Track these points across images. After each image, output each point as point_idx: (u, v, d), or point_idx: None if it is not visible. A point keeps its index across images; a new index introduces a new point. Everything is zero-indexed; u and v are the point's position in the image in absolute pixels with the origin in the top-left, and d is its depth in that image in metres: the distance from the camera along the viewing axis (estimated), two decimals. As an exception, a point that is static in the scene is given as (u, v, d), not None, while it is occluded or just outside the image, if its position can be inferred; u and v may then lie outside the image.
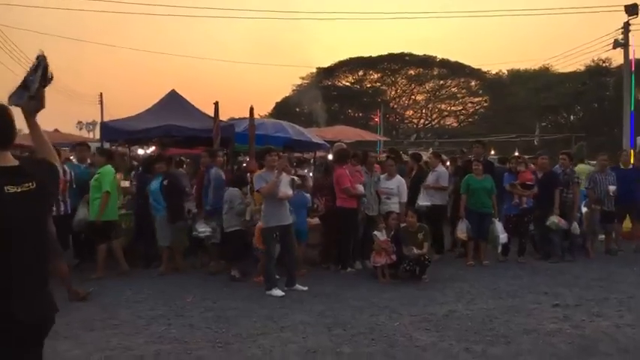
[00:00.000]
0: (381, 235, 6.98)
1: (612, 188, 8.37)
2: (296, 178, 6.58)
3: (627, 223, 9.17)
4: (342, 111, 42.94)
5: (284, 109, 39.07)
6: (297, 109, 39.93)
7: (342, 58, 42.79)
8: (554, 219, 7.85)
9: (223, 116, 9.44)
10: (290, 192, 6.31)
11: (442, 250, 8.48)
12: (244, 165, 11.07)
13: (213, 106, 8.49)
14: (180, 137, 9.18)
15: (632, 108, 19.09)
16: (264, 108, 42.72)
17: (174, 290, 6.42)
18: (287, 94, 43.94)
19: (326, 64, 43.20)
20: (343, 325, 5.14)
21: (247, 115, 9.19)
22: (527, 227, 8.30)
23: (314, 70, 42.73)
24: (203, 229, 7.14)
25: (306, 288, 6.43)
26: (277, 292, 6.21)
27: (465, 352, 4.41)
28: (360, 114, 43.05)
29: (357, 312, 5.56)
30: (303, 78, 43.51)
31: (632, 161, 9.70)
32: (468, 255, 7.94)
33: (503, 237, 7.82)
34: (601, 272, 7.32)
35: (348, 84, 44.17)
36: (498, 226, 7.85)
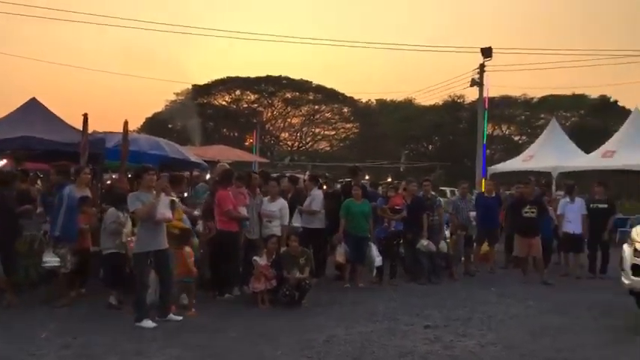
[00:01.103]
0: (261, 260, 6.85)
1: (472, 214, 9.17)
2: (176, 199, 6.22)
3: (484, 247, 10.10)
4: (217, 130, 42.32)
5: (155, 125, 37.46)
6: (170, 126, 38.54)
7: (219, 77, 42.44)
8: (424, 242, 8.37)
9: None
10: (169, 214, 5.94)
11: (323, 273, 8.58)
12: (108, 183, 10.29)
13: (82, 118, 7.76)
14: (40, 151, 8.24)
15: (485, 141, 21.30)
16: (133, 122, 40.55)
17: (25, 325, 5.65)
18: (159, 110, 42.35)
19: (202, 82, 42.48)
20: (222, 357, 4.90)
21: (113, 130, 8.58)
22: (397, 250, 8.74)
23: (189, 87, 41.73)
24: (49, 258, 6.31)
25: (180, 318, 6.06)
26: (148, 323, 5.76)
27: (347, 379, 4.43)
28: (236, 134, 42.77)
29: (236, 342, 5.35)
30: (177, 94, 42.25)
31: (482, 189, 10.73)
32: (345, 278, 8.12)
33: (378, 260, 8.13)
34: (464, 293, 7.90)
35: (224, 103, 43.73)
36: (374, 249, 8.14)
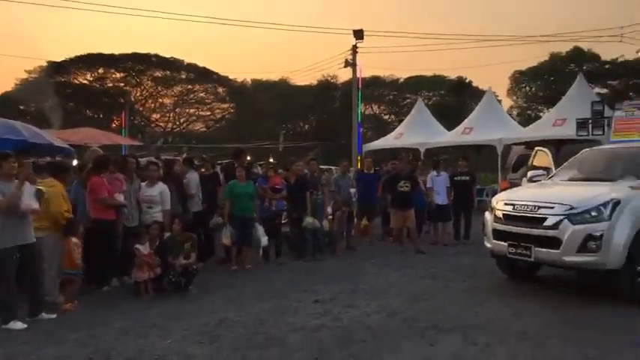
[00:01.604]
0: (143, 248, 6.51)
1: (353, 191, 9.56)
2: (43, 188, 5.63)
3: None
4: (78, 111, 38.97)
5: (5, 106, 33.45)
6: (23, 107, 34.71)
7: (78, 53, 38.95)
8: (309, 219, 8.57)
9: None
10: (36, 205, 5.37)
11: (209, 256, 8.42)
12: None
13: None
14: None
15: (359, 120, 22.17)
16: (-25, 103, 35.84)
17: None
18: (8, 89, 37.92)
19: (59, 58, 38.69)
20: (107, 352, 4.61)
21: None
22: (279, 229, 8.85)
23: (44, 64, 37.79)
24: None
25: (54, 315, 5.58)
26: (17, 324, 5.23)
27: (243, 360, 4.42)
28: (101, 115, 39.78)
29: (121, 335, 5.06)
30: (29, 72, 38.11)
31: (359, 166, 11.23)
32: (232, 260, 8.05)
33: (264, 240, 8.16)
34: (347, 267, 8.25)
35: (85, 82, 40.30)
36: (260, 229, 8.15)
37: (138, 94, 41.92)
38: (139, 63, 40.11)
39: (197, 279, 6.81)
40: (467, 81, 44.44)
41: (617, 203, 5.78)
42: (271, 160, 19.05)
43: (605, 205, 5.79)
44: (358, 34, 20.90)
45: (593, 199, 5.91)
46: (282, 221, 9.06)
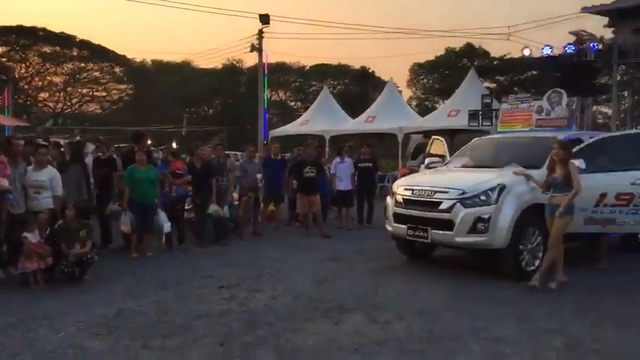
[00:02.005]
0: (32, 237, 6.03)
1: (259, 176, 9.51)
2: None
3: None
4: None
5: None
6: None
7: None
8: (214, 206, 8.40)
9: None
10: None
11: (110, 243, 8.10)
12: None
13: None
14: None
15: (265, 106, 22.02)
16: None
17: None
18: None
19: None
20: (-10, 349, 4.24)
21: None
22: (182, 215, 8.60)
23: None
24: None
25: None
26: None
27: (144, 350, 4.27)
28: (-21, 92, 36.00)
29: (9, 329, 4.68)
30: None
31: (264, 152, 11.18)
32: (132, 248, 7.70)
33: (166, 226, 7.89)
34: (253, 252, 8.22)
35: (-41, 54, 36.25)
36: (162, 215, 7.86)
37: (23, 71, 38.45)
38: (24, 37, 36.76)
39: (93, 269, 6.43)
40: (370, 71, 45.82)
41: (502, 188, 6.28)
42: (174, 144, 18.40)
43: (492, 189, 6.27)
44: (264, 19, 20.69)
45: (481, 185, 6.37)
46: (186, 207, 8.80)
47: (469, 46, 38.10)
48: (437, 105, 36.44)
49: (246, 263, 7.39)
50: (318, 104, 22.32)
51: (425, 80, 43.87)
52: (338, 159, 10.78)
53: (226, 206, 8.92)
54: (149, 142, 10.10)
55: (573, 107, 7.86)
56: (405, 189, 7.07)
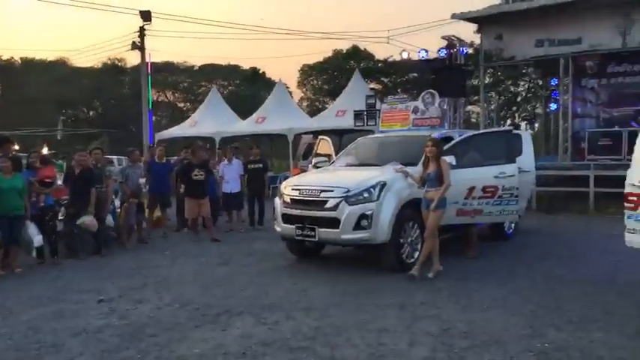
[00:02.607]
0: None
1: (142, 181, 9.08)
2: None
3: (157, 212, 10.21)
4: None
5: None
6: None
7: None
8: (86, 217, 7.79)
9: None
10: None
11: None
12: None
13: None
14: None
15: (150, 107, 21.09)
16: None
17: None
18: None
19: None
20: None
21: None
22: (53, 226, 7.92)
23: None
24: None
25: None
26: None
27: (10, 376, 3.91)
28: None
29: None
30: None
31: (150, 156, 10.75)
32: (-3, 265, 6.99)
33: (38, 239, 7.27)
34: (138, 261, 7.85)
35: None
36: (32, 227, 7.22)
37: None
38: None
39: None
40: (260, 72, 45.76)
41: (383, 185, 6.59)
42: (45, 149, 16.94)
43: (374, 187, 6.56)
44: (145, 16, 19.77)
45: (364, 182, 6.64)
46: (60, 217, 8.14)
47: (355, 49, 39.46)
48: (327, 105, 37.29)
49: (130, 274, 7.04)
50: (207, 105, 21.88)
51: (315, 81, 44.72)
52: (225, 161, 10.64)
53: (109, 215, 8.43)
54: (16, 147, 9.19)
55: (445, 107, 8.46)
56: (293, 189, 7.16)
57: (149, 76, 21.06)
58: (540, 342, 4.24)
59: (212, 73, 44.41)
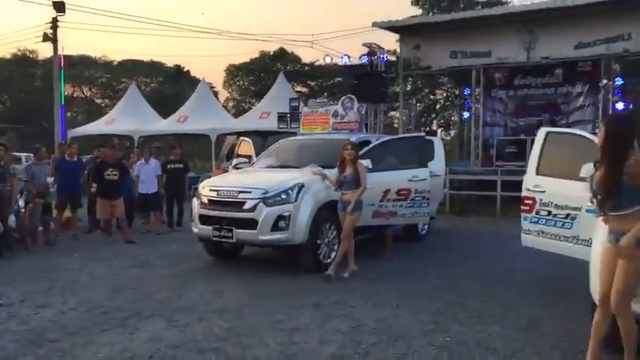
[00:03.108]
0: None
1: (50, 180, 8.60)
2: None
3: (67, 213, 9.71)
4: None
5: None
6: None
7: None
8: None
9: None
10: None
11: None
12: None
13: None
14: None
15: (63, 102, 19.98)
16: None
17: None
18: None
19: None
20: None
21: None
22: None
23: None
24: None
25: None
26: None
27: None
28: None
29: None
30: None
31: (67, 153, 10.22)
32: None
33: None
34: (44, 264, 7.43)
35: None
36: None
37: None
38: None
39: None
40: (185, 70, 44.64)
41: (301, 187, 6.68)
42: None
43: (292, 188, 6.63)
44: (59, 7, 18.68)
45: (282, 184, 6.70)
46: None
47: (282, 51, 39.53)
48: (253, 106, 37.08)
49: (34, 277, 6.65)
50: (126, 102, 21.10)
51: (241, 82, 44.28)
52: (142, 160, 10.31)
53: (12, 215, 7.91)
54: None
55: (363, 112, 8.71)
56: (211, 190, 7.09)
57: (62, 70, 19.92)
58: (442, 336, 4.49)
59: (133, 69, 42.71)
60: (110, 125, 19.82)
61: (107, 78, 44.32)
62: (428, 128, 28.81)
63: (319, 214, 6.75)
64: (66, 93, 24.22)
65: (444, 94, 32.10)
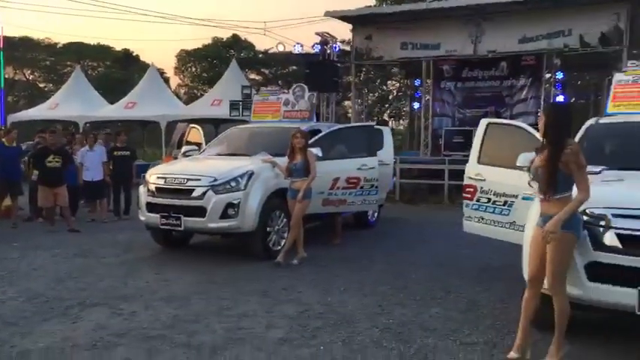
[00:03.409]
0: None
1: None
2: None
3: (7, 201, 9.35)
4: None
5: None
6: None
7: None
8: None
9: None
10: None
11: None
12: None
13: None
14: None
15: (2, 85, 19.05)
16: None
17: None
18: None
19: None
20: None
21: None
22: None
23: None
24: None
25: None
26: None
27: None
28: None
29: None
30: None
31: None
32: None
33: None
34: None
35: None
36: None
37: None
38: None
39: None
40: (134, 55, 43.28)
41: (251, 174, 6.68)
42: None
43: (242, 176, 6.63)
44: (-2, -15, 17.75)
45: (232, 171, 6.68)
46: None
47: (235, 38, 38.95)
48: (205, 94, 36.42)
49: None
50: (70, 86, 20.31)
51: (193, 68, 43.36)
52: (86, 147, 10.00)
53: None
54: None
55: (314, 101, 8.76)
56: (158, 177, 6.99)
57: (1, 52, 18.98)
58: (386, 319, 4.64)
59: (79, 52, 41.01)
60: (53, 110, 19.05)
61: (51, 61, 42.39)
62: (380, 118, 29.18)
63: (269, 202, 6.79)
64: (6, 76, 23.04)
65: (397, 85, 32.58)
